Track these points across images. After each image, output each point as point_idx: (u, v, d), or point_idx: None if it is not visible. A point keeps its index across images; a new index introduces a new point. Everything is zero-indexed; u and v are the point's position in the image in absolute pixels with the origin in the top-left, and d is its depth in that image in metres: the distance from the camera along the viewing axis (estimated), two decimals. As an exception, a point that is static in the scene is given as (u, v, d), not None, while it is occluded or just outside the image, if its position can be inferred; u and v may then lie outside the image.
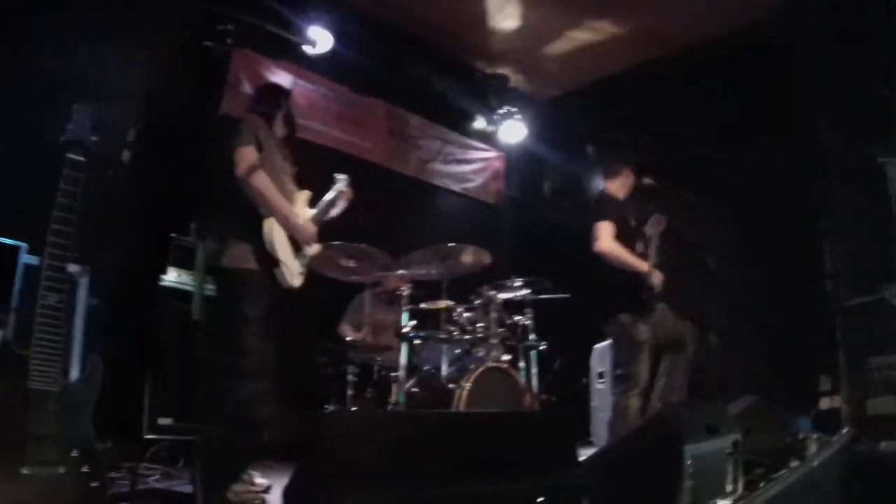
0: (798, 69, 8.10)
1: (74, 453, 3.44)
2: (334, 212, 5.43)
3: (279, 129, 5.31)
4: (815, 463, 4.87)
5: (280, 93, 5.58)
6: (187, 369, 5.68)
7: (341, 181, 5.49)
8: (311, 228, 5.13)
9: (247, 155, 4.76)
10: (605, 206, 6.73)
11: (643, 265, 6.51)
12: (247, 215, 4.79)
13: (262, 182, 4.77)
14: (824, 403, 7.39)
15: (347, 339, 7.43)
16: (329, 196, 5.41)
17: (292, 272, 4.91)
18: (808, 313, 7.78)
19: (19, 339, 3.49)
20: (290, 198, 5.10)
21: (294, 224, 4.97)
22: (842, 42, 7.68)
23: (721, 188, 8.87)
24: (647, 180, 6.97)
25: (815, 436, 6.38)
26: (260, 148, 4.86)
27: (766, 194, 8.64)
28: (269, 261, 4.78)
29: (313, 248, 5.25)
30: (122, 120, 6.48)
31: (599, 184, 7.18)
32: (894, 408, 6.58)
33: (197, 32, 6.04)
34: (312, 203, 5.38)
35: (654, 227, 6.73)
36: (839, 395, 7.26)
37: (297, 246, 5.03)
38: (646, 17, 9.26)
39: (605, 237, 6.47)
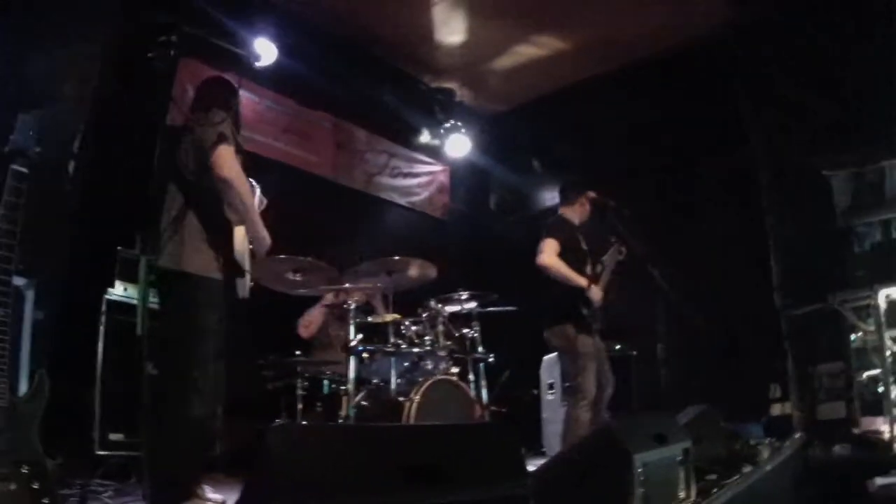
0: (742, 84, 8.21)
1: (24, 469, 3.38)
2: None
3: None
4: (768, 468, 4.93)
5: (231, 91, 5.27)
6: (137, 384, 5.60)
7: (257, 188, 5.38)
8: (268, 242, 4.96)
9: (230, 154, 4.56)
10: (556, 227, 6.98)
11: (582, 281, 6.67)
12: (215, 221, 4.64)
13: (245, 186, 4.65)
14: (775, 410, 7.50)
15: (307, 327, 7.69)
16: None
17: (248, 283, 4.82)
18: (756, 323, 7.88)
19: (-36, 355, 3.42)
20: None
21: (263, 235, 4.86)
22: (785, 57, 7.80)
23: (668, 201, 8.98)
24: (590, 194, 7.08)
25: (766, 441, 6.47)
26: (236, 149, 4.68)
27: (713, 206, 8.75)
28: (236, 270, 4.68)
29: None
30: (66, 130, 6.41)
31: (545, 199, 7.27)
32: (844, 412, 6.68)
33: (141, 42, 6.00)
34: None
35: (611, 257, 6.93)
36: (789, 401, 7.36)
37: (252, 256, 4.93)
38: (590, 32, 9.36)
39: (548, 252, 6.80)
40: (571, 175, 7.24)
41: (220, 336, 4.62)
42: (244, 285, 4.73)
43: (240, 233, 4.69)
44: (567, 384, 6.80)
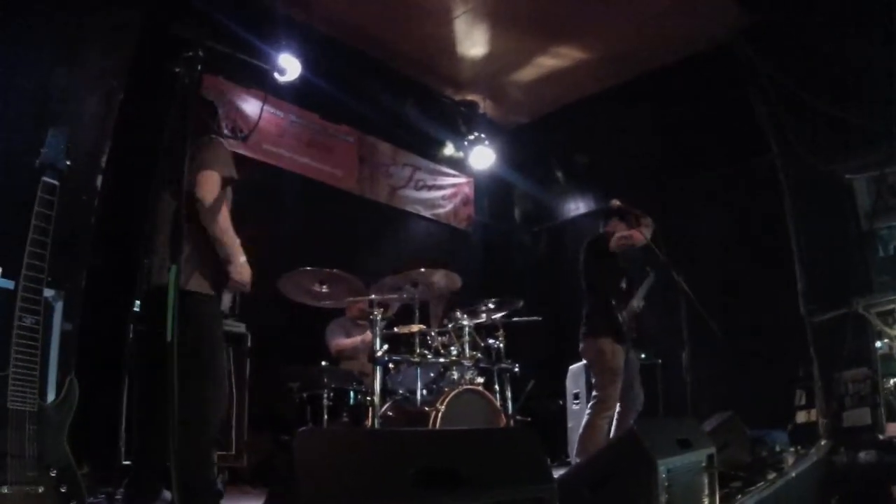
0: (760, 89, 8.21)
1: (53, 473, 3.44)
2: None
3: None
4: (793, 474, 4.92)
5: (212, 113, 5.12)
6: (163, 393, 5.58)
7: None
8: (248, 273, 4.71)
9: (215, 180, 4.47)
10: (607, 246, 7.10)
11: None
12: (206, 237, 4.51)
13: (219, 213, 4.52)
14: (801, 417, 7.45)
15: (341, 347, 7.71)
16: None
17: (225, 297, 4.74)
18: (782, 329, 7.86)
19: (-5, 363, 3.48)
20: None
21: (241, 263, 4.64)
22: (803, 61, 7.79)
23: (690, 209, 8.97)
24: (615, 202, 7.10)
25: (791, 449, 6.45)
26: (225, 178, 4.57)
27: (738, 214, 8.74)
28: (222, 286, 4.62)
29: None
30: (94, 145, 6.47)
31: (569, 209, 7.25)
32: (870, 419, 6.65)
33: (167, 59, 6.07)
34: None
35: (646, 285, 6.98)
36: (815, 408, 7.32)
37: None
38: (610, 42, 9.39)
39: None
40: (613, 208, 7.22)
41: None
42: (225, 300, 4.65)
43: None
44: (594, 394, 6.83)
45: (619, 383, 6.72)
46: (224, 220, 4.57)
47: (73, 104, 6.29)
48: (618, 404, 6.79)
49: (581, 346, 7.03)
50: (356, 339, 7.72)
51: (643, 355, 7.40)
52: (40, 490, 3.38)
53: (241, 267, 4.62)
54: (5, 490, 3.25)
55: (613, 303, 6.80)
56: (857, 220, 7.39)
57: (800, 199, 7.84)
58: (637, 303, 6.96)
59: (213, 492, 4.55)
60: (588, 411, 6.81)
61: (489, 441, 3.39)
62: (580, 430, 6.83)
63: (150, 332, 4.60)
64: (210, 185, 4.47)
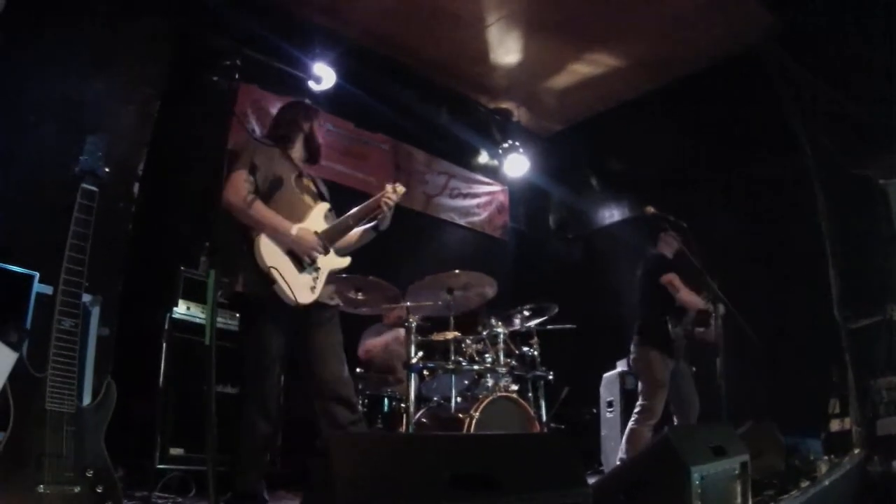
0: (790, 93, 8.18)
1: (89, 473, 3.49)
2: (359, 227, 5.47)
3: (297, 152, 5.30)
4: (826, 482, 4.88)
5: (299, 115, 5.41)
6: (198, 401, 5.64)
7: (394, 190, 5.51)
8: (310, 238, 4.86)
9: (236, 180, 4.70)
10: (664, 265, 7.16)
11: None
12: (244, 238, 4.72)
13: (253, 206, 4.71)
14: (834, 426, 7.40)
15: (368, 351, 7.77)
16: (358, 209, 5.37)
17: (298, 287, 4.71)
18: (816, 337, 7.81)
19: (33, 366, 3.52)
20: (303, 213, 4.98)
21: (285, 234, 4.77)
22: (836, 66, 7.76)
23: (725, 214, 8.93)
24: (649, 209, 7.08)
25: (825, 457, 6.40)
26: (255, 171, 4.82)
27: (771, 219, 8.68)
28: (266, 280, 4.63)
29: (324, 259, 5.00)
30: (130, 152, 6.54)
31: (603, 217, 7.29)
32: (904, 427, 6.60)
33: (204, 67, 6.12)
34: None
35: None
36: (849, 416, 7.27)
37: (299, 260, 4.83)
38: (640, 48, 9.36)
39: (678, 286, 7.00)
40: (648, 215, 7.22)
41: (268, 350, 4.69)
42: (286, 292, 4.66)
43: (258, 242, 4.69)
44: (640, 402, 6.87)
45: (664, 394, 6.82)
46: (257, 210, 4.74)
47: (108, 112, 6.37)
48: (674, 417, 6.85)
49: (632, 355, 7.16)
50: (387, 338, 7.73)
51: (694, 369, 7.36)
52: (76, 490, 3.43)
53: (296, 237, 4.80)
54: (42, 489, 3.30)
55: (666, 318, 6.84)
56: (891, 225, 7.34)
57: (833, 203, 7.81)
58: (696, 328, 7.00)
59: (257, 498, 4.62)
60: (633, 418, 6.86)
61: (524, 446, 3.39)
62: (624, 437, 6.87)
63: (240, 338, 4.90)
64: (231, 186, 4.69)
